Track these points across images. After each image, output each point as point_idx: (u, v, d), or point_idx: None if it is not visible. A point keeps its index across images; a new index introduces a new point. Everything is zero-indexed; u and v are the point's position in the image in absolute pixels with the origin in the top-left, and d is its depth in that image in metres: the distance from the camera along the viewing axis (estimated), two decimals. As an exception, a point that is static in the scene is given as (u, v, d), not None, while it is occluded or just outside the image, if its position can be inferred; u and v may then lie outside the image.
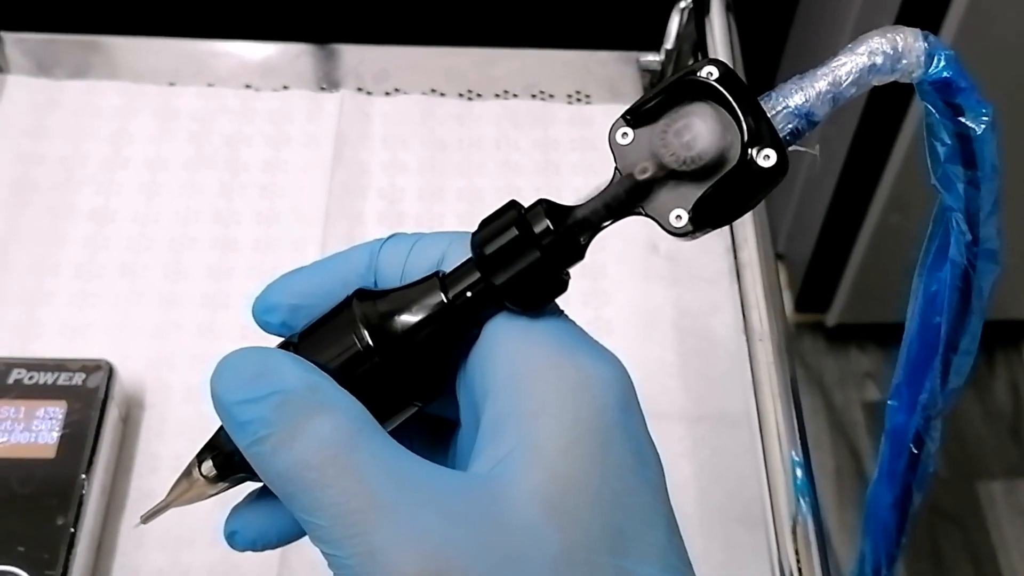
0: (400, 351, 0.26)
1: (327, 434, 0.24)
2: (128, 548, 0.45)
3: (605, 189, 0.27)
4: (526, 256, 0.26)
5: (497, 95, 0.62)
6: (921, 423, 0.35)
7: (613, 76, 0.63)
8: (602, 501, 0.24)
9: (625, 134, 0.26)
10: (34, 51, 0.62)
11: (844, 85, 0.27)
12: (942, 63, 0.27)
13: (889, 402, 0.36)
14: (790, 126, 0.26)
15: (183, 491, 0.28)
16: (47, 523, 0.42)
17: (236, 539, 0.28)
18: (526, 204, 0.27)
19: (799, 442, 0.43)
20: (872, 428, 1.32)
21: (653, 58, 0.63)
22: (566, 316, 0.27)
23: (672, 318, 0.53)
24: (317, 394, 0.25)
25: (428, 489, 0.24)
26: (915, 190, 1.14)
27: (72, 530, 0.42)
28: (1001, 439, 1.31)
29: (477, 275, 0.27)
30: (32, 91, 0.59)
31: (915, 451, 0.36)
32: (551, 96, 0.62)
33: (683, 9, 0.60)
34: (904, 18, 1.01)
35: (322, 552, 0.24)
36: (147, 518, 0.29)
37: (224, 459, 0.28)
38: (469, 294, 0.27)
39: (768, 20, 1.19)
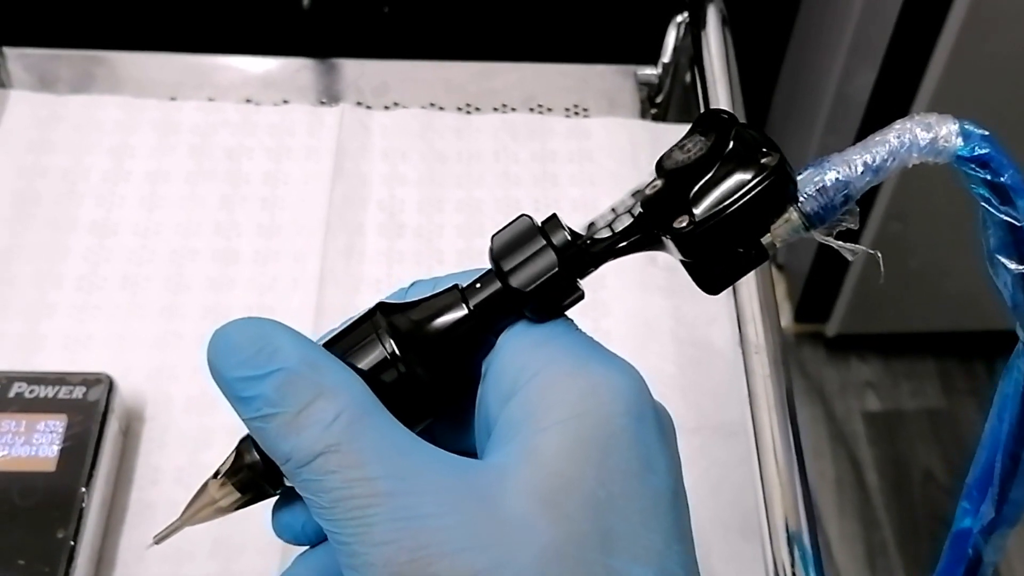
0: (424, 358, 0.27)
1: (331, 420, 0.25)
2: (128, 560, 0.45)
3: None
4: (546, 266, 0.27)
5: (496, 108, 0.63)
6: (980, 533, 0.34)
7: (611, 89, 0.64)
8: (597, 501, 0.25)
9: (654, 185, 0.28)
10: (36, 66, 0.62)
11: (880, 161, 0.27)
12: (978, 142, 0.27)
13: (961, 502, 0.34)
14: (820, 190, 0.27)
15: (198, 509, 0.28)
16: (47, 536, 0.42)
17: None
18: (526, 215, 0.28)
19: (795, 454, 0.43)
20: (872, 437, 1.32)
21: (650, 71, 0.64)
22: (580, 330, 0.28)
23: (670, 328, 0.53)
24: (318, 373, 0.25)
25: (426, 476, 0.25)
26: (914, 199, 1.14)
27: (72, 543, 0.42)
28: (1002, 448, 1.31)
29: (497, 284, 0.28)
30: (34, 106, 0.60)
31: (973, 558, 0.34)
32: (549, 109, 0.63)
33: (680, 23, 0.61)
34: (899, 33, 1.02)
35: (321, 525, 0.25)
36: (160, 539, 0.29)
37: (242, 476, 0.28)
38: (489, 303, 0.27)
39: (765, 34, 1.20)
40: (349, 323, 0.28)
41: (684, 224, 0.27)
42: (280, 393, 0.25)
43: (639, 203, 0.28)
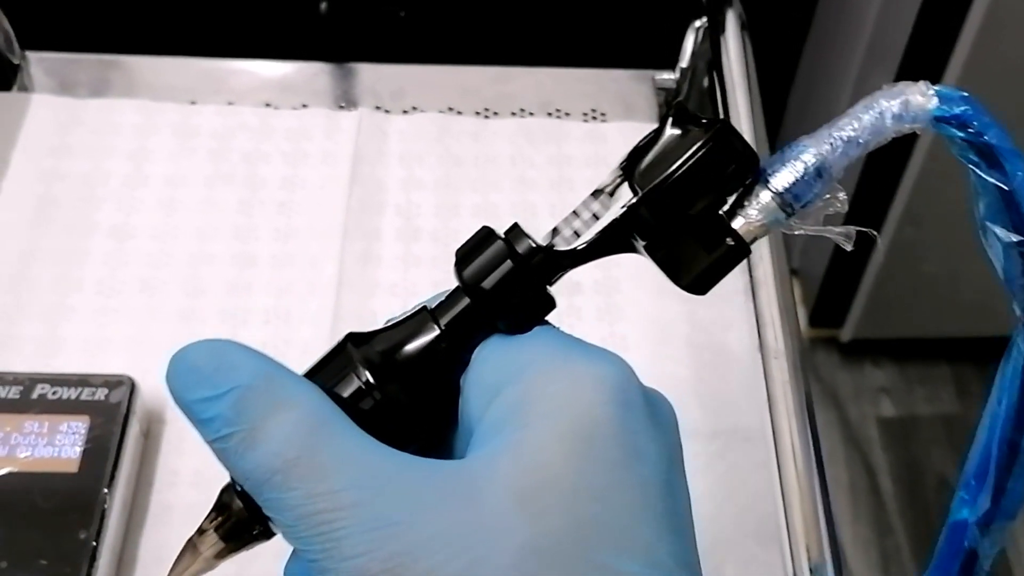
0: (400, 384, 0.27)
1: (288, 433, 0.24)
2: (148, 562, 0.45)
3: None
4: (505, 266, 0.27)
5: (513, 113, 0.63)
6: (976, 525, 0.32)
7: (628, 94, 0.64)
8: (578, 495, 0.24)
9: (614, 182, 0.29)
10: (57, 70, 0.63)
11: (852, 132, 0.26)
12: (955, 101, 0.26)
13: (958, 492, 0.32)
14: (787, 164, 0.27)
15: (187, 566, 0.28)
16: (69, 537, 0.42)
17: None
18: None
19: (814, 460, 0.43)
20: (886, 443, 1.31)
21: (668, 76, 0.63)
22: (560, 330, 0.28)
23: (686, 333, 0.53)
24: (274, 385, 0.25)
25: (394, 481, 0.24)
26: (930, 203, 1.14)
27: (94, 544, 0.42)
28: (1017, 454, 1.31)
29: (466, 301, 0.27)
30: (55, 110, 0.60)
31: (970, 551, 0.32)
32: (567, 114, 0.63)
33: (698, 28, 0.61)
34: (917, 36, 1.01)
35: (290, 544, 0.25)
36: None
37: (227, 526, 0.27)
38: (460, 319, 0.27)
39: (782, 39, 1.20)
40: (321, 359, 0.28)
41: (631, 198, 0.27)
42: (236, 410, 0.24)
43: (601, 199, 0.28)
